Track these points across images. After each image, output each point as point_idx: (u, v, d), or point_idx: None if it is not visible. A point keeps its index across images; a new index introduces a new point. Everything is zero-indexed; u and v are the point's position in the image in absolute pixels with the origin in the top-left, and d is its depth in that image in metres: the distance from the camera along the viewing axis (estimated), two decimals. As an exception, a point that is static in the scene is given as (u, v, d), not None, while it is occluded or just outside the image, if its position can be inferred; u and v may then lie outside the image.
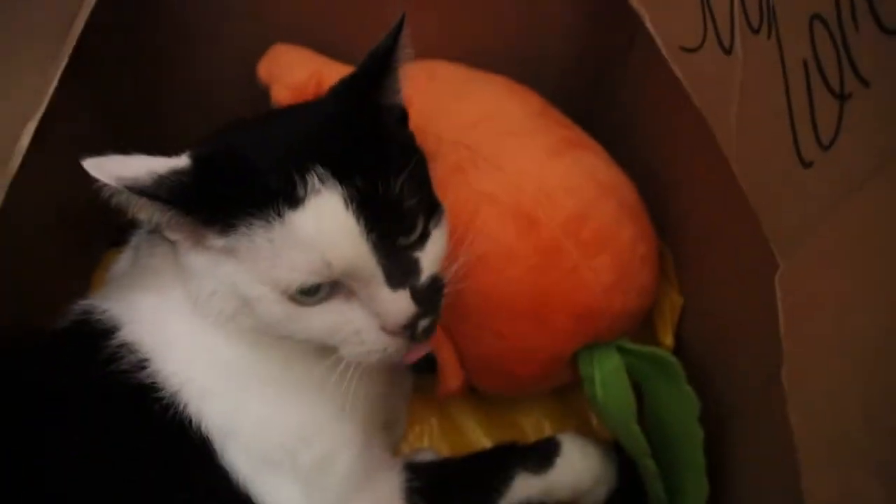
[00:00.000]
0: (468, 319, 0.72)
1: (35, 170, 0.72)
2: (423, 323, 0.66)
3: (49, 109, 0.73)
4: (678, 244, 0.89)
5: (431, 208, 0.69)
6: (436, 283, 0.68)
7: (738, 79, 0.68)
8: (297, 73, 0.89)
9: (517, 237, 0.78)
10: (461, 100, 0.86)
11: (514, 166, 0.80)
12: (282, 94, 0.89)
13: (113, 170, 0.60)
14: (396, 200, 0.64)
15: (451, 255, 0.71)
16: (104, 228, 1.03)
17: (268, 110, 0.88)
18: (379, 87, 0.68)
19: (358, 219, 0.62)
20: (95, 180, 0.60)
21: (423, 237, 0.68)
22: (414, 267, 0.66)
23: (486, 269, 0.76)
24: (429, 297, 0.67)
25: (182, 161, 0.64)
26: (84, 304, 0.75)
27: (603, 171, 0.84)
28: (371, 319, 0.65)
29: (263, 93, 0.93)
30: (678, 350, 0.88)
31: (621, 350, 0.82)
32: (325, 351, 0.68)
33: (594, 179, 0.81)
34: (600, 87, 0.99)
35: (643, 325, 0.87)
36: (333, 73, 0.89)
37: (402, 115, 0.73)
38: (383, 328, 0.65)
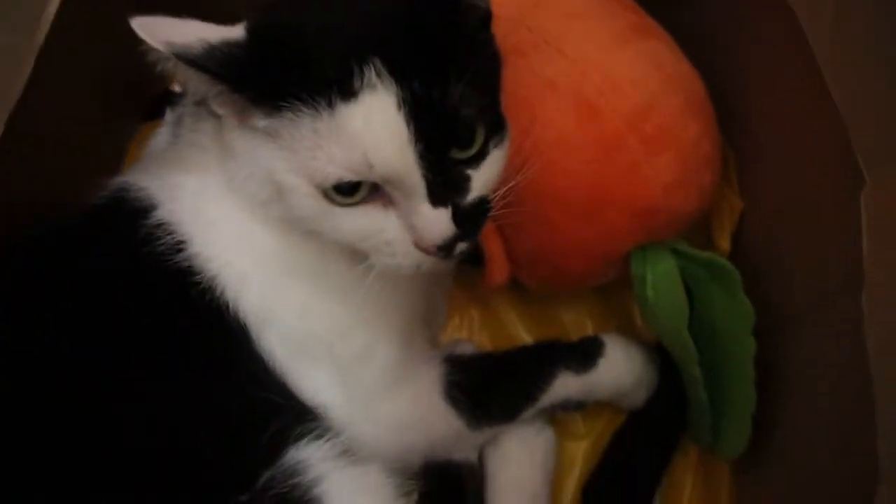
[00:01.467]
0: (514, 204, 0.68)
1: (64, 37, 0.69)
2: (461, 246, 0.63)
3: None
4: (743, 144, 0.85)
5: (495, 125, 0.64)
6: (482, 205, 0.64)
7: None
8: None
9: (577, 127, 0.74)
10: (522, -25, 0.80)
11: (577, 52, 0.75)
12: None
13: (163, 33, 0.57)
14: (453, 108, 0.59)
15: (510, 164, 0.67)
16: (139, 100, 1.00)
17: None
18: None
19: (408, 123, 0.58)
20: (141, 42, 0.57)
21: (481, 155, 0.63)
22: (462, 185, 0.63)
23: (542, 159, 0.72)
24: (471, 219, 0.63)
25: (236, 32, 0.60)
26: (120, 180, 0.73)
27: (671, 63, 0.78)
28: (405, 233, 0.62)
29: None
30: (733, 255, 0.85)
31: (676, 252, 0.79)
32: (357, 255, 0.65)
33: (661, 71, 0.76)
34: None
35: (699, 227, 0.84)
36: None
37: (485, 17, 0.66)
38: (416, 244, 0.62)
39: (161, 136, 0.82)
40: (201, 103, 0.68)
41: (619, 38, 0.77)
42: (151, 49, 0.57)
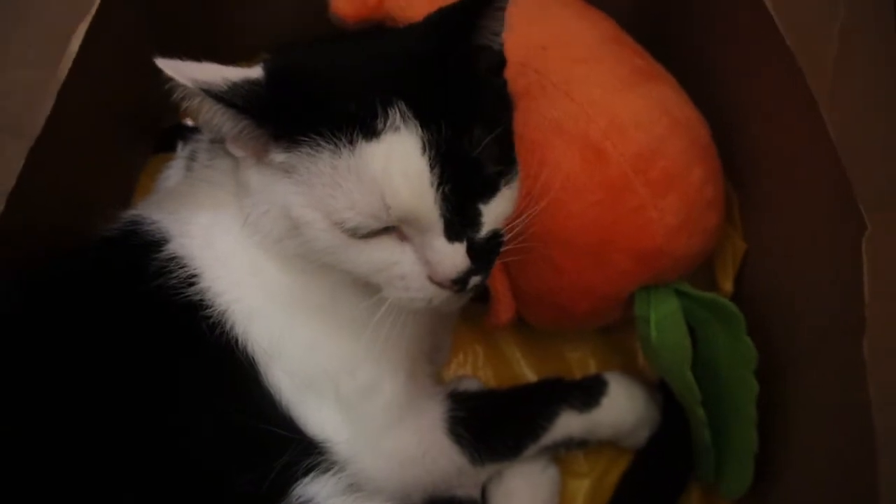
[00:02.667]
0: (524, 241, 0.69)
1: (84, 73, 0.70)
2: (475, 280, 0.63)
3: (99, 11, 0.70)
4: (746, 186, 0.85)
5: (507, 163, 0.66)
6: (494, 239, 0.65)
7: (842, 17, 0.63)
8: (358, -20, 0.85)
9: (583, 170, 0.75)
10: (531, 19, 0.81)
11: (584, 96, 0.76)
12: (341, 3, 0.84)
13: (188, 71, 0.58)
14: (477, 159, 0.61)
15: (520, 206, 0.68)
16: (149, 133, 1.01)
17: (346, 31, 0.85)
18: (475, 26, 0.64)
19: (432, 167, 0.59)
20: (167, 80, 0.58)
21: (493, 191, 0.64)
22: (476, 220, 0.63)
23: (550, 201, 0.72)
24: (484, 253, 0.64)
25: (255, 72, 0.62)
26: (132, 213, 0.74)
27: (676, 106, 0.79)
28: (420, 266, 0.63)
29: (322, 7, 0.88)
30: (736, 296, 0.85)
31: (679, 293, 0.79)
32: (369, 288, 0.66)
33: (667, 114, 0.77)
34: (670, 15, 0.93)
35: (702, 269, 0.84)
36: (397, -18, 0.84)
37: (500, 63, 0.68)
38: (431, 278, 0.62)
39: (173, 169, 0.83)
40: (217, 140, 0.69)
41: (625, 83, 0.77)
42: (178, 85, 0.59)
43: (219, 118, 0.61)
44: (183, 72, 0.58)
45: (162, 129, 1.02)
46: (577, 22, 0.83)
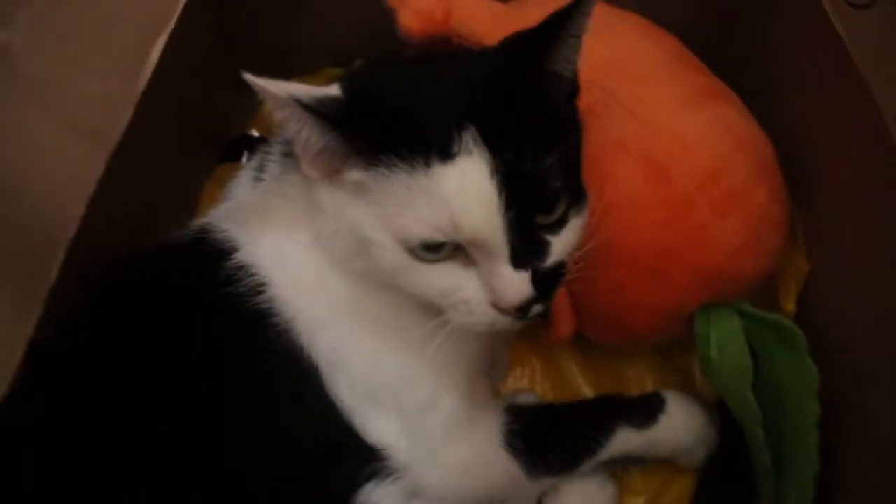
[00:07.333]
0: (587, 268, 0.70)
1: (159, 84, 0.72)
2: (537, 308, 0.64)
3: (176, 26, 0.73)
4: (811, 207, 0.85)
5: (576, 194, 0.66)
6: (559, 269, 0.65)
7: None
8: (425, -1, 0.86)
9: (646, 188, 0.75)
10: (596, 37, 0.81)
11: (648, 114, 0.76)
12: (408, 19, 0.85)
13: (278, 84, 0.60)
14: (542, 180, 0.61)
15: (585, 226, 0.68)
16: (216, 143, 1.03)
17: (410, 50, 0.86)
18: (550, 51, 0.64)
19: (500, 192, 0.59)
20: (254, 92, 0.59)
21: (561, 222, 0.65)
22: (542, 249, 0.64)
23: (612, 219, 0.72)
24: (549, 283, 0.64)
25: (334, 90, 0.63)
26: (202, 221, 0.76)
27: (740, 125, 0.79)
28: (484, 293, 0.63)
29: (383, 25, 0.90)
30: (799, 317, 0.84)
31: (741, 313, 0.79)
32: (433, 310, 0.66)
33: (731, 133, 0.77)
34: (731, 31, 0.93)
35: (764, 288, 0.83)
36: (462, 2, 0.85)
37: (573, 90, 0.69)
38: (494, 304, 0.63)
39: (242, 179, 0.84)
40: (290, 154, 0.71)
41: (689, 101, 0.77)
42: (270, 96, 0.60)
43: (307, 130, 0.62)
44: (273, 83, 0.59)
45: (228, 139, 1.04)
46: (642, 40, 0.83)
